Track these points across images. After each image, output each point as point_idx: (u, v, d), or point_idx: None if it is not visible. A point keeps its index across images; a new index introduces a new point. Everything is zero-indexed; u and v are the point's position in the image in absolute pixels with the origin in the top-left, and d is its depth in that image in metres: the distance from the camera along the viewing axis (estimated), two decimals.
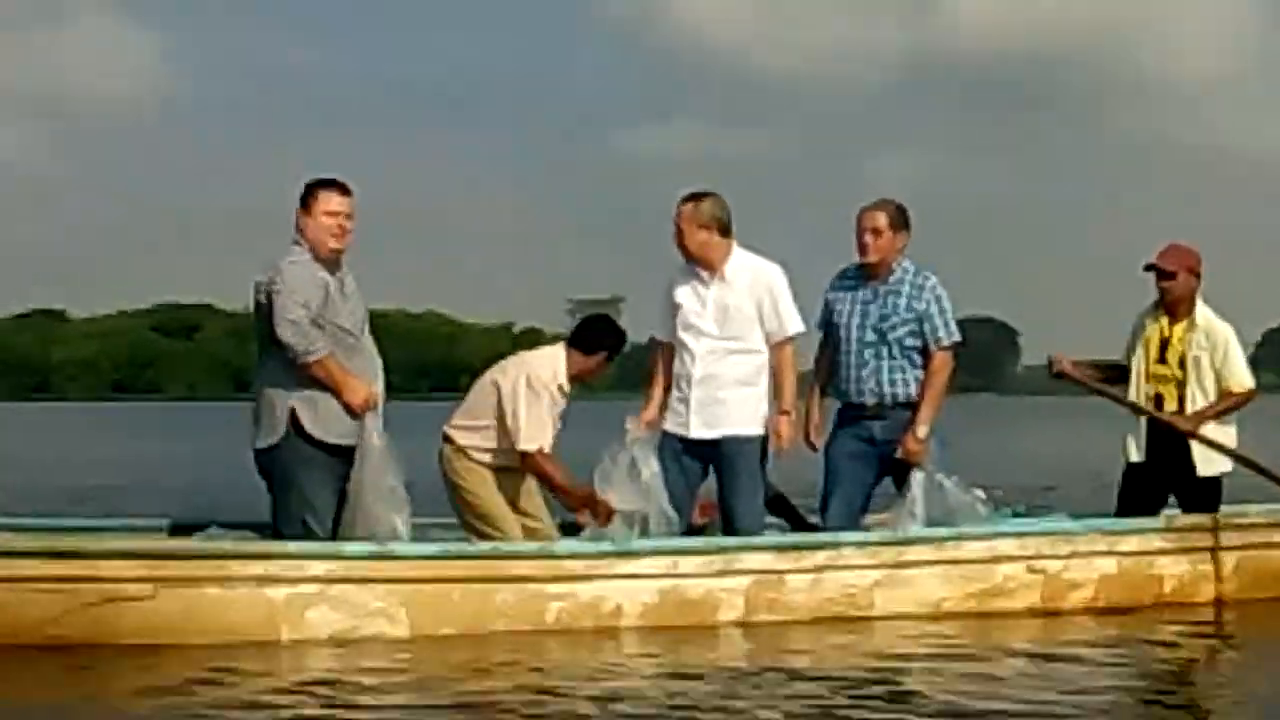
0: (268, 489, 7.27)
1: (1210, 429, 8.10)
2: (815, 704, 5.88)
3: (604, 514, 7.27)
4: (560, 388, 7.51)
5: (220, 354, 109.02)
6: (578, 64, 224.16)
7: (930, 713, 5.72)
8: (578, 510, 7.48)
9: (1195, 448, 8.06)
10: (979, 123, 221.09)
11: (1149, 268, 8.18)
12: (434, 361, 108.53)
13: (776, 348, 7.69)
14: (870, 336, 7.82)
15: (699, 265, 7.66)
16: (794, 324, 7.72)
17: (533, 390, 7.44)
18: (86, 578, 6.69)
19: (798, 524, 7.99)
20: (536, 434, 7.38)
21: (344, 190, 7.31)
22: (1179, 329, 8.17)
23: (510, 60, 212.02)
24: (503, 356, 7.83)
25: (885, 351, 7.81)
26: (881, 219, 7.82)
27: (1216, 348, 8.11)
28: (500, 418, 7.43)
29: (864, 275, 7.91)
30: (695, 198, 7.67)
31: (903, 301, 7.82)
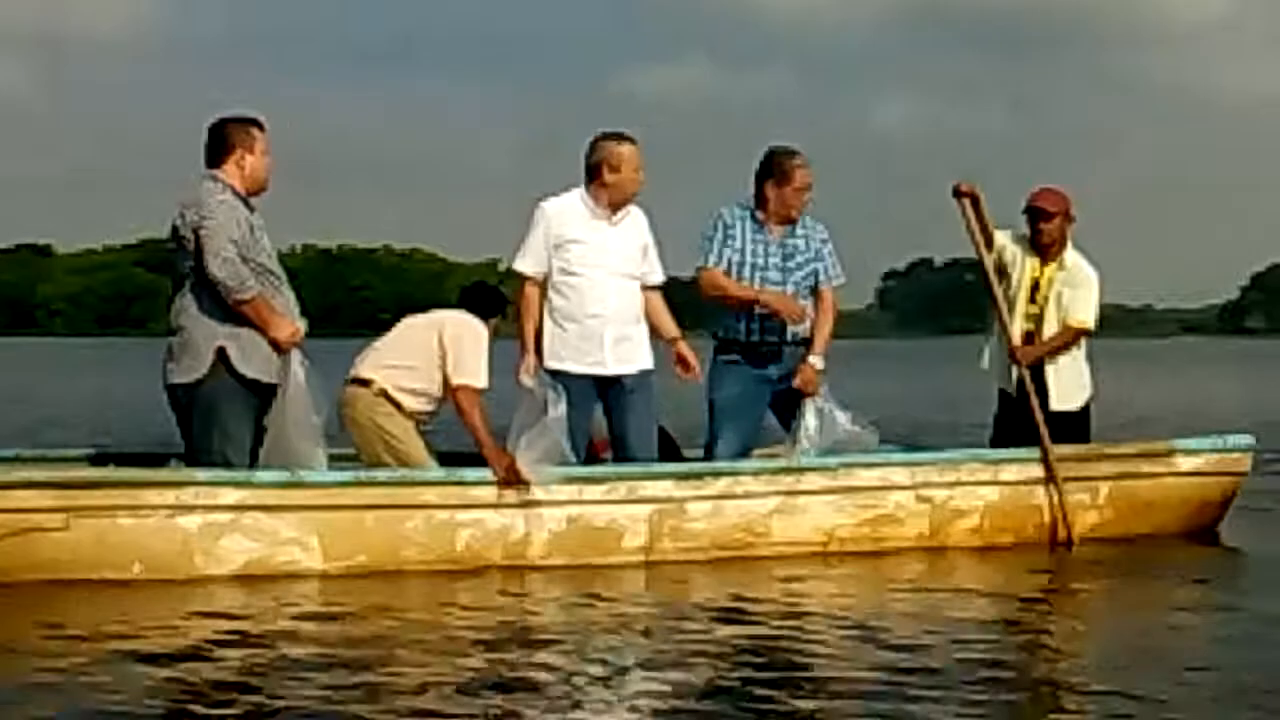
0: (179, 423, 7.35)
1: (1064, 363, 8.43)
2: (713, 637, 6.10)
3: (506, 470, 7.35)
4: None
5: None
6: (575, 4, 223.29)
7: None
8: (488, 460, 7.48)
9: (1051, 384, 8.40)
10: (978, 63, 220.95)
11: (1028, 209, 8.47)
12: (420, 297, 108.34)
13: (650, 291, 7.98)
14: (775, 275, 8.05)
15: (620, 205, 7.81)
16: (660, 271, 8.04)
17: (481, 337, 7.68)
18: None
19: (676, 457, 8.20)
20: (481, 373, 7.59)
21: (263, 129, 7.46)
22: (1049, 269, 8.50)
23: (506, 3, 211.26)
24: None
25: (790, 292, 8.06)
26: (810, 178, 8.08)
27: (1075, 284, 8.44)
28: (430, 364, 7.59)
29: (766, 220, 8.10)
30: (630, 138, 7.84)
31: (801, 244, 8.11)
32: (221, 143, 7.35)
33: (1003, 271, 8.55)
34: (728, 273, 8.05)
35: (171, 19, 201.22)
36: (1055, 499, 8.09)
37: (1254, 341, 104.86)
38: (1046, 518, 8.15)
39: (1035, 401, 8.20)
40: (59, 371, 38.67)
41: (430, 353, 7.63)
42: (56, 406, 21.62)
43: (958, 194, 8.38)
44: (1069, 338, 8.44)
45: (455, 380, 7.55)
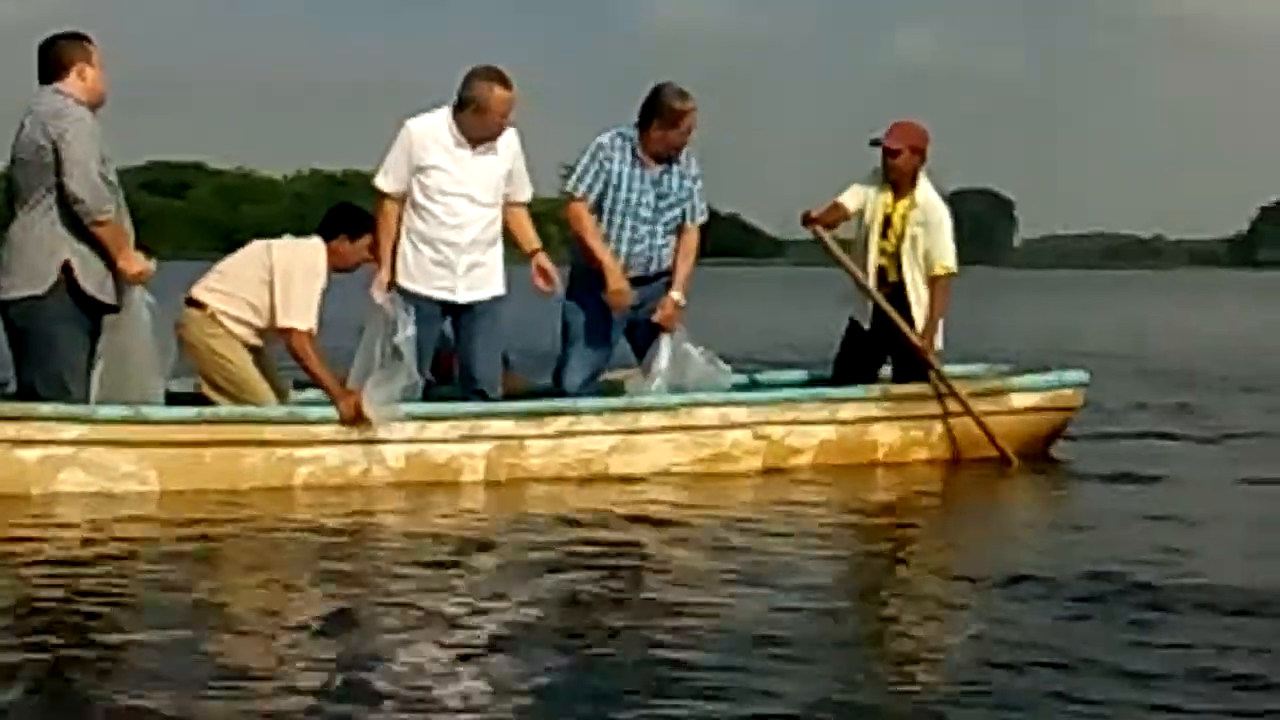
0: (11, 342, 7.20)
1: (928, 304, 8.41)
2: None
3: (351, 409, 7.34)
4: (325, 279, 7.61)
5: (210, 213, 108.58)
6: None
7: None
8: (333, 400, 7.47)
9: (918, 324, 8.36)
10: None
11: (874, 143, 8.39)
12: None
13: (516, 207, 7.95)
14: (646, 213, 8.05)
15: (483, 141, 7.74)
16: (529, 189, 8.02)
17: (312, 271, 7.55)
18: None
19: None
20: (308, 314, 7.47)
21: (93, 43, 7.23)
22: (901, 205, 8.43)
23: None
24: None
25: (660, 229, 8.09)
26: (695, 121, 8.02)
27: (929, 226, 8.38)
28: (258, 296, 7.50)
29: (644, 157, 8.06)
30: (506, 81, 7.72)
31: (676, 182, 8.10)
32: (58, 58, 7.10)
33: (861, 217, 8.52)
34: (600, 203, 8.02)
35: None
36: (972, 425, 8.31)
37: (1261, 273, 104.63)
38: (881, 454, 8.27)
39: (916, 339, 8.31)
40: None
41: (258, 285, 7.53)
42: None
43: (806, 222, 8.37)
44: (944, 287, 8.40)
45: (281, 322, 7.47)
